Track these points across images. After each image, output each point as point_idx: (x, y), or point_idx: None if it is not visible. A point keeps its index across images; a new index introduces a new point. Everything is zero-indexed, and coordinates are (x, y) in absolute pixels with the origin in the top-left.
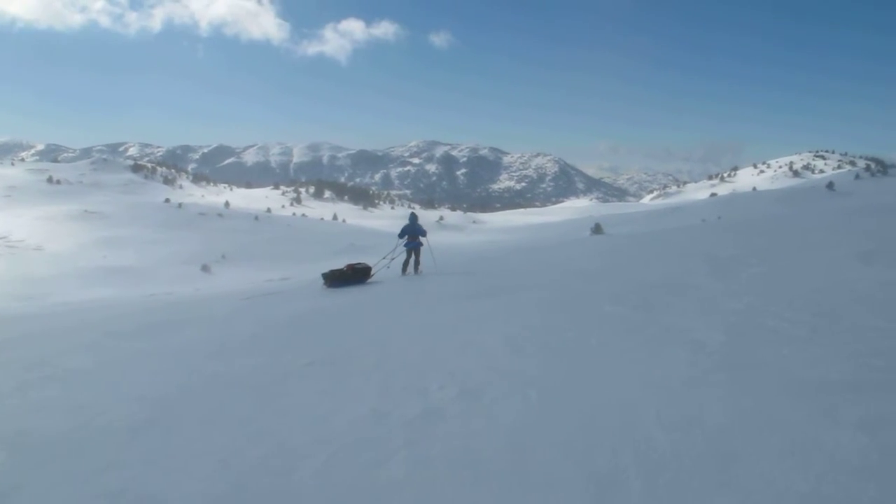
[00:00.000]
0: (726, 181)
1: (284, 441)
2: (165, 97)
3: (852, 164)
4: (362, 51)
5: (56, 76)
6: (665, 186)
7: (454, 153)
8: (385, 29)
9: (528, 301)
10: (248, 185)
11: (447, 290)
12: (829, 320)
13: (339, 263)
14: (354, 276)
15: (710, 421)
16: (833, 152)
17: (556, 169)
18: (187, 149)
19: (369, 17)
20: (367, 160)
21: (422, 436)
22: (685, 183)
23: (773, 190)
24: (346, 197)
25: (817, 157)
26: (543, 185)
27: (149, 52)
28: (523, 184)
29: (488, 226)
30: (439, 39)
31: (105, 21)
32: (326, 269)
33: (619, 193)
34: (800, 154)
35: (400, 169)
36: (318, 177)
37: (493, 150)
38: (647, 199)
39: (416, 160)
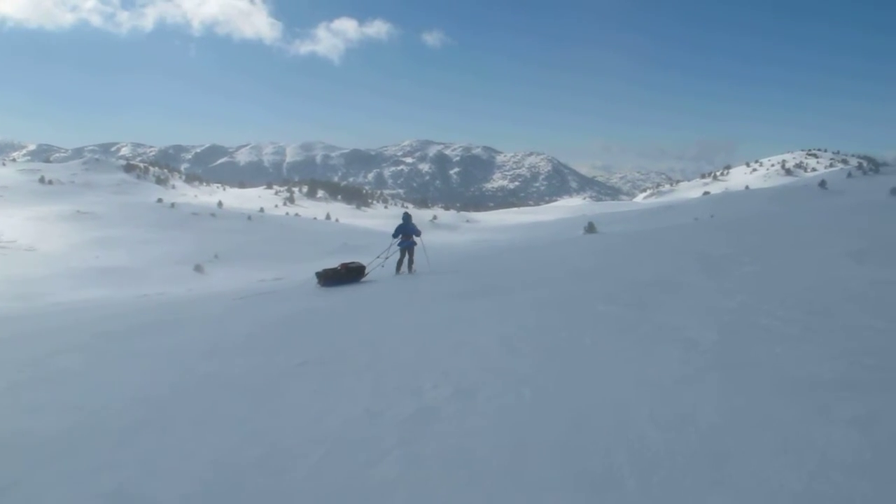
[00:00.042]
0: (719, 180)
1: (278, 441)
2: (158, 97)
3: (844, 162)
4: (355, 50)
5: (47, 76)
6: (658, 185)
7: (447, 152)
8: (378, 28)
9: (521, 300)
10: (241, 185)
11: (441, 289)
12: (821, 319)
13: (333, 263)
14: (348, 275)
15: (703, 419)
16: (825, 151)
17: (549, 168)
18: (180, 148)
19: (362, 17)
20: (361, 159)
21: (416, 435)
22: (678, 181)
23: (766, 188)
24: (339, 196)
25: (809, 155)
26: (537, 184)
27: (141, 51)
28: (516, 183)
29: (482, 225)
30: (432, 38)
31: (96, 20)
32: (320, 269)
33: (613, 192)
34: (792, 153)
35: (393, 168)
36: (312, 176)
37: (486, 149)
38: (640, 198)
39: (409, 159)
